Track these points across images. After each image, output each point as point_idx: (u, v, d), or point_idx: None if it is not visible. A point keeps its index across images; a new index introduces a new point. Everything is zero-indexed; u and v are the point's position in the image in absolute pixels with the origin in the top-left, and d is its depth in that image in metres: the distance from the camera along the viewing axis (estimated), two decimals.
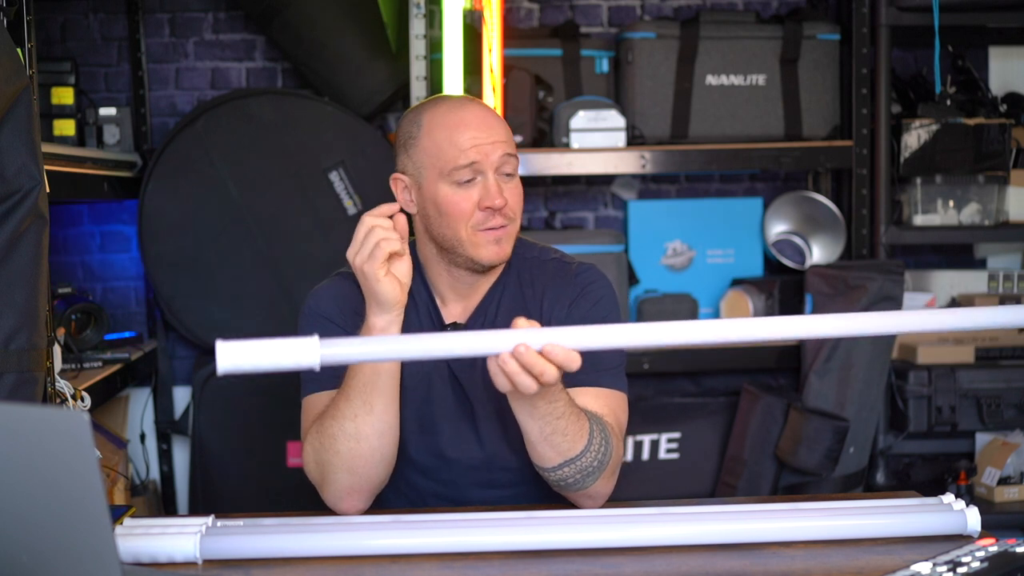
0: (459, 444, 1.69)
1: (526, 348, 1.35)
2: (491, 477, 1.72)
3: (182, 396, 3.22)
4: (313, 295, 1.74)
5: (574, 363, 1.37)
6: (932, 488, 2.84)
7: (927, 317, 1.39)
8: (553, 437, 1.52)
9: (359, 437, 1.56)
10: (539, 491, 1.69)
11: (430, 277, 1.73)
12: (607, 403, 1.65)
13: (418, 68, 2.81)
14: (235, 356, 1.23)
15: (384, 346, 1.39)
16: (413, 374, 1.68)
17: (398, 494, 1.72)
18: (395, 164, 1.73)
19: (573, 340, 1.37)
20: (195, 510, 3.05)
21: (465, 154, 1.62)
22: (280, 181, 2.97)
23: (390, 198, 1.67)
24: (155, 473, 3.24)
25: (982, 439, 3.06)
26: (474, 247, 1.65)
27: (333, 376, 1.64)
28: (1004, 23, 3.07)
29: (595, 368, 1.65)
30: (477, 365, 1.66)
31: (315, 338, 1.27)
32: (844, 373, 2.87)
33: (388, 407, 1.58)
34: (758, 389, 3.03)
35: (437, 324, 1.72)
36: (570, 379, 1.61)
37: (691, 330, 1.37)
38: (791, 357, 3.01)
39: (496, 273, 1.72)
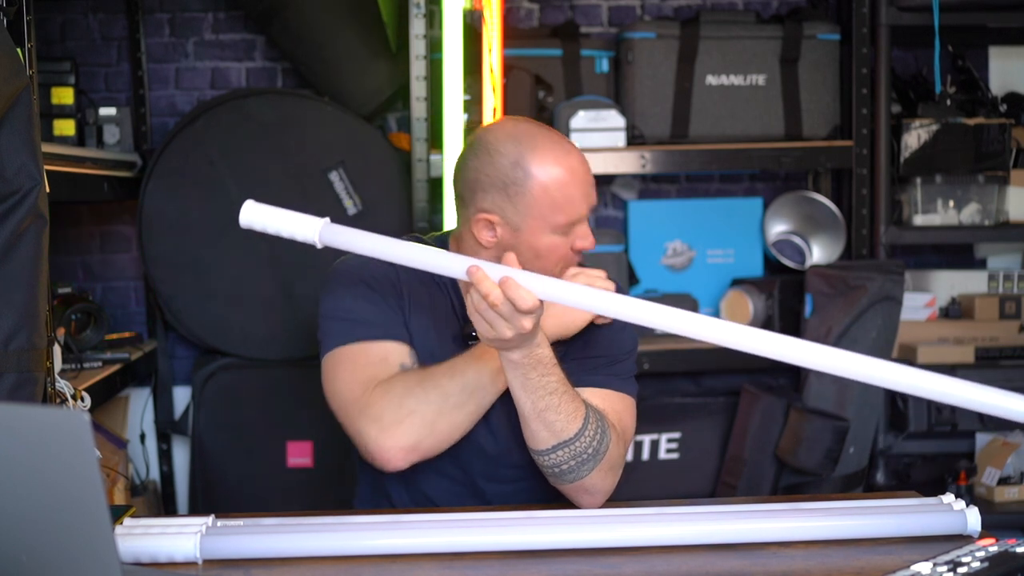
0: (468, 436, 1.69)
1: (477, 268, 1.41)
2: (497, 472, 1.73)
3: (182, 396, 3.22)
4: (344, 263, 1.74)
5: (523, 302, 1.40)
6: (932, 488, 2.84)
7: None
8: (546, 413, 1.52)
9: (462, 407, 1.60)
10: (543, 486, 1.69)
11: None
12: (611, 404, 1.67)
13: (418, 68, 2.81)
14: (254, 214, 1.44)
15: (376, 245, 1.45)
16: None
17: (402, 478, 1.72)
18: (473, 199, 1.66)
19: (537, 285, 1.41)
20: (195, 510, 3.05)
21: (576, 208, 1.64)
22: (280, 181, 2.96)
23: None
24: (155, 473, 3.24)
25: (982, 439, 3.06)
26: None
27: (353, 330, 1.65)
28: (1004, 23, 3.08)
29: (607, 372, 1.69)
30: None
31: (323, 220, 1.43)
32: None
33: (496, 397, 1.62)
34: (758, 389, 3.03)
35: (462, 321, 1.73)
36: (579, 379, 1.64)
37: (656, 314, 1.37)
38: None
39: None
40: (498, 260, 1.48)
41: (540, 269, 1.61)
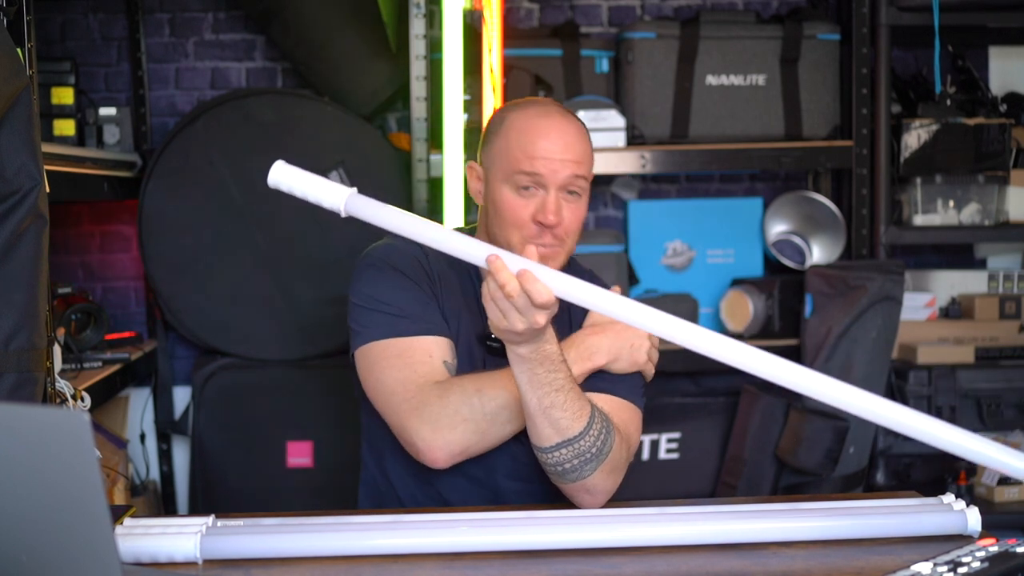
0: None
1: (497, 258, 1.40)
2: (521, 471, 1.73)
3: (182, 396, 3.22)
4: (377, 250, 1.75)
5: (539, 296, 1.39)
6: (932, 488, 2.84)
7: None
8: (551, 411, 1.52)
9: (513, 421, 1.62)
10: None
11: None
12: (617, 411, 1.66)
13: (418, 68, 2.81)
14: (283, 174, 1.44)
15: (400, 221, 1.43)
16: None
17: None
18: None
19: (554, 281, 1.40)
20: (195, 510, 3.05)
21: (532, 163, 1.66)
22: None
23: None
24: (155, 473, 3.24)
25: None
26: None
27: (395, 324, 1.66)
28: (1004, 23, 3.08)
29: (613, 380, 1.68)
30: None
31: (351, 189, 1.42)
32: (844, 373, 2.87)
33: None
34: (758, 389, 3.03)
35: (484, 316, 1.72)
36: (587, 384, 1.64)
37: (673, 328, 1.36)
38: (791, 357, 2.99)
39: None
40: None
41: (500, 228, 1.68)
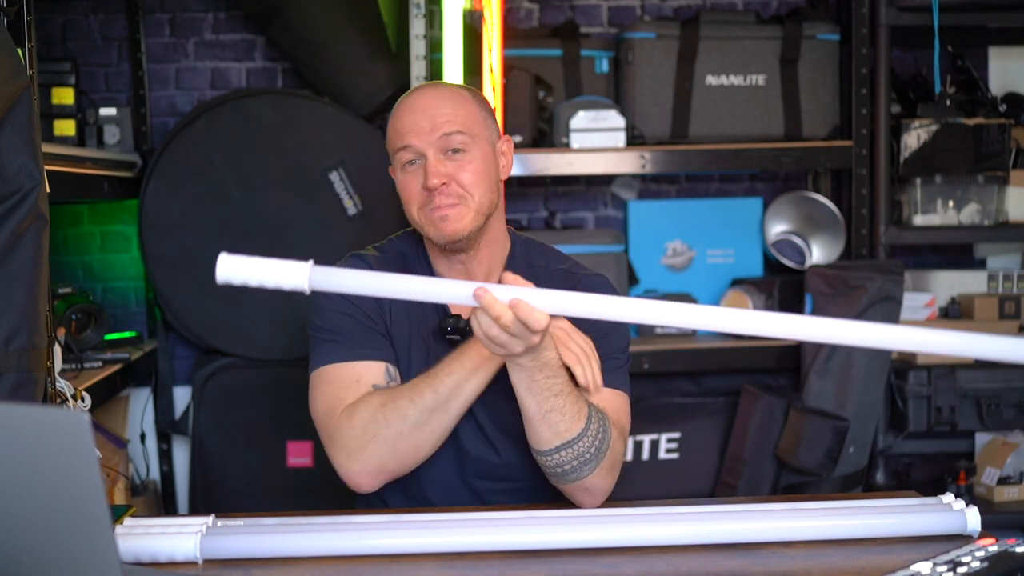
0: (471, 451, 1.71)
1: (485, 292, 1.35)
2: (495, 473, 1.73)
3: (182, 396, 3.22)
4: None
5: (537, 324, 1.37)
6: (932, 488, 2.84)
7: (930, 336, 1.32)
8: (551, 415, 1.53)
9: (423, 427, 1.59)
10: (539, 486, 1.69)
11: (434, 265, 1.77)
12: (609, 401, 1.66)
13: (418, 68, 2.81)
14: (232, 268, 1.31)
15: (371, 282, 1.37)
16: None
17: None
18: None
19: (545, 302, 1.37)
20: (195, 510, 3.05)
21: (402, 137, 1.70)
22: (280, 181, 2.97)
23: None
24: (155, 473, 3.24)
25: (982, 439, 3.06)
26: (427, 228, 1.70)
27: (330, 351, 1.67)
28: (1004, 23, 3.08)
29: (602, 370, 1.66)
30: None
31: (308, 263, 1.29)
32: (844, 373, 2.87)
33: (457, 417, 1.62)
34: (758, 389, 3.03)
35: (441, 314, 1.74)
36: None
37: (668, 313, 1.33)
38: (791, 357, 3.01)
39: (498, 267, 1.73)
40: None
41: (407, 210, 1.71)
